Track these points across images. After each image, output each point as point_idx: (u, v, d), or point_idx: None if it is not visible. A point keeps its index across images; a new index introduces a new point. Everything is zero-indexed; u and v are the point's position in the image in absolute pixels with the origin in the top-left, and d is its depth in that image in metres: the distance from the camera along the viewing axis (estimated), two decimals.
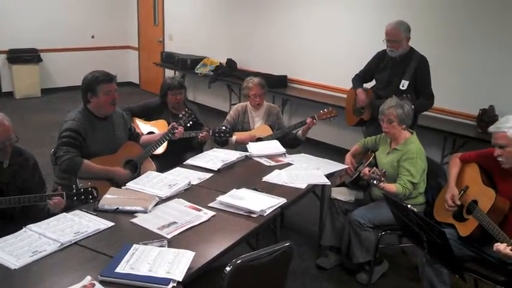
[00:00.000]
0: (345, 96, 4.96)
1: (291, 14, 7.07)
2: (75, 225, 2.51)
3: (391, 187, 3.27)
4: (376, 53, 4.45)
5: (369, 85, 4.61)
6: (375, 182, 3.18)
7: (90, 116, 3.32)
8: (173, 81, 4.22)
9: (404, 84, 4.13)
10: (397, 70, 4.20)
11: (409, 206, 2.77)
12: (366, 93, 4.41)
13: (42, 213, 2.69)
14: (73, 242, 2.36)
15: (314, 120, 4.15)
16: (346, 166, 3.69)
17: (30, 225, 2.48)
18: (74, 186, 2.81)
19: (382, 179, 3.16)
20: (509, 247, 2.36)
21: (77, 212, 2.68)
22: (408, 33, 4.14)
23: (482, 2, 5.04)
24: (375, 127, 4.29)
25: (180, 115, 3.79)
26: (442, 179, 3.47)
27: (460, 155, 3.21)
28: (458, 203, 2.98)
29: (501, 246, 2.40)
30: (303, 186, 3.26)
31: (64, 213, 2.64)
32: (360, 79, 4.57)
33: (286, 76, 7.18)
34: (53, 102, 8.89)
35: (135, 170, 3.43)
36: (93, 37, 10.03)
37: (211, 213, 2.74)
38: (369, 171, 3.21)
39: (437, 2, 5.42)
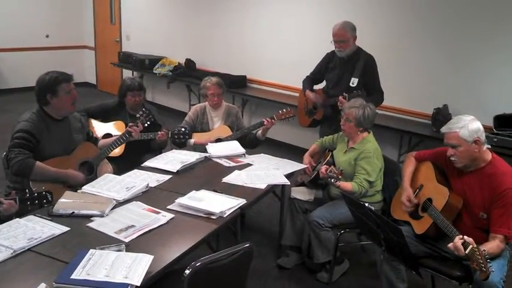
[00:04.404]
0: None
1: (250, 14, 7.08)
2: (28, 231, 2.43)
3: (347, 185, 3.31)
4: (326, 54, 4.54)
5: (320, 86, 4.67)
6: (332, 180, 3.21)
7: (45, 117, 3.23)
8: (133, 82, 4.14)
9: (354, 82, 4.22)
10: (346, 68, 4.30)
11: (366, 204, 2.81)
12: (314, 93, 4.52)
13: None
14: (26, 248, 2.28)
15: (273, 121, 4.16)
16: (305, 166, 3.72)
17: None
18: (27, 190, 2.72)
19: (340, 177, 3.20)
20: (461, 240, 2.43)
21: (31, 217, 2.59)
22: (354, 33, 4.25)
23: (436, 5, 5.17)
24: (328, 126, 4.38)
25: (137, 115, 3.72)
26: (399, 177, 3.53)
27: (415, 153, 3.29)
28: (415, 201, 3.04)
29: (455, 239, 2.47)
30: (263, 186, 3.27)
31: (17, 219, 2.55)
32: (310, 81, 4.65)
33: (245, 76, 7.19)
34: (6, 103, 8.58)
35: (91, 171, 3.35)
36: (47, 36, 9.77)
37: (170, 215, 2.70)
38: (326, 170, 3.24)
39: (394, 4, 5.52)
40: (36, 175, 3.06)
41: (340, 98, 4.07)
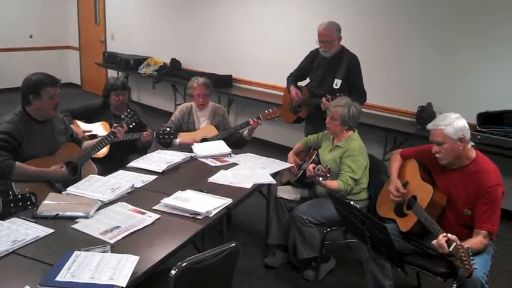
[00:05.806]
0: None
1: (235, 13, 7.08)
2: (12, 233, 2.40)
3: (333, 184, 3.32)
4: (309, 52, 4.54)
5: (303, 83, 4.68)
6: (320, 179, 3.20)
7: (27, 119, 3.19)
8: (116, 81, 4.13)
9: (337, 83, 4.22)
10: (330, 69, 4.30)
11: (351, 202, 2.83)
12: (300, 91, 4.51)
13: None
14: (10, 251, 2.26)
15: (259, 121, 4.16)
16: (291, 165, 3.73)
17: None
18: (10, 192, 2.68)
19: (328, 175, 3.19)
20: (445, 238, 2.46)
21: (14, 219, 2.56)
22: (339, 33, 4.26)
23: (420, 4, 5.21)
24: (313, 124, 4.38)
25: (123, 116, 3.71)
26: (384, 175, 3.56)
27: (400, 151, 3.31)
28: (404, 191, 3.04)
29: (439, 237, 2.49)
30: (249, 186, 3.27)
31: (0, 222, 2.52)
32: (294, 78, 4.65)
33: (231, 76, 7.18)
34: None
35: (75, 171, 3.33)
36: (31, 37, 9.65)
37: (155, 216, 2.69)
38: (314, 169, 3.24)
39: (378, 4, 5.55)
40: (17, 175, 3.02)
41: (324, 100, 4.05)
